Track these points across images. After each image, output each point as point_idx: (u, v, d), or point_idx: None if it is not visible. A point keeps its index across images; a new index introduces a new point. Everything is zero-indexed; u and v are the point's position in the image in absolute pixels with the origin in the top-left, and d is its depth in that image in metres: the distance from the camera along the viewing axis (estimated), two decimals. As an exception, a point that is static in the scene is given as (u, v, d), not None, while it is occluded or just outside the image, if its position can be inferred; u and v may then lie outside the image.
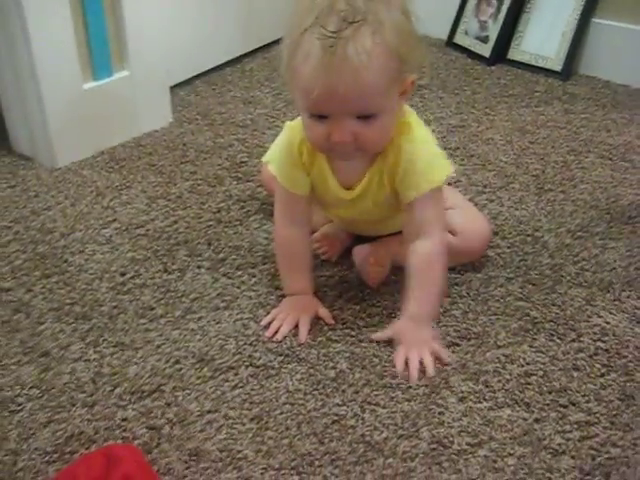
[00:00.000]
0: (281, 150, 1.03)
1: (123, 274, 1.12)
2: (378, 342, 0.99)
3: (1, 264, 1.14)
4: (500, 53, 1.90)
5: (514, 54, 1.90)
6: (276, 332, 1.00)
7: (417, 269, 0.99)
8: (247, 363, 0.95)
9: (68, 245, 1.18)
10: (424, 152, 0.97)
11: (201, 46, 1.74)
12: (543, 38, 1.86)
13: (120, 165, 1.41)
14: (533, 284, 1.11)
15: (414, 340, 0.96)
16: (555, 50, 1.84)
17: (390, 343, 0.99)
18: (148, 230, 1.22)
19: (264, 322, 1.02)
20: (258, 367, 0.95)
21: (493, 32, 1.90)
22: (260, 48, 1.93)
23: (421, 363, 0.95)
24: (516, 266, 1.14)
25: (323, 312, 1.03)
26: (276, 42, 1.93)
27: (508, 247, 1.19)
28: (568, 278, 1.12)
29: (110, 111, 1.46)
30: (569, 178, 1.39)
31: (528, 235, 1.22)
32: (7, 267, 1.13)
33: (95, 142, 1.45)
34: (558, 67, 1.83)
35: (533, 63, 1.87)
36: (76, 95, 1.39)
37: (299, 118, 0.98)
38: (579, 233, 1.22)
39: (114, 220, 1.24)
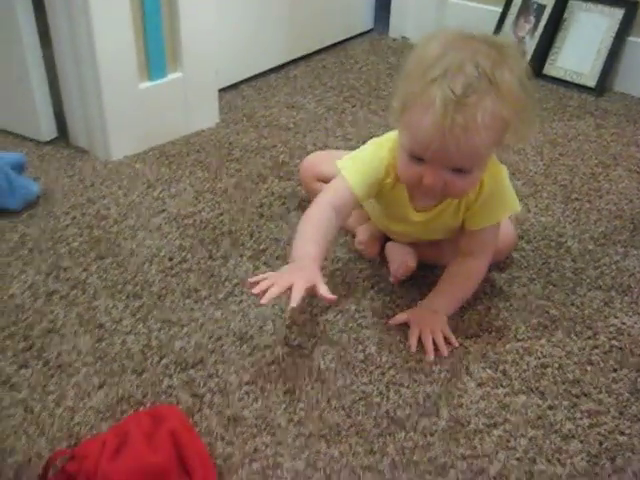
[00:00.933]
0: (364, 160, 1.07)
1: (171, 259, 1.21)
2: (404, 329, 1.06)
3: (60, 245, 1.23)
4: (536, 68, 1.96)
5: (550, 70, 1.96)
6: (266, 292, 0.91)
7: (455, 276, 1.10)
8: (283, 343, 1.04)
9: (121, 231, 1.28)
10: (502, 190, 1.07)
11: (248, 53, 1.84)
12: (579, 55, 1.92)
13: (170, 160, 1.51)
14: (554, 285, 1.17)
15: (427, 322, 1.04)
16: (590, 67, 1.90)
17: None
18: (195, 220, 1.31)
19: (252, 279, 0.95)
20: (293, 347, 1.03)
21: (530, 48, 1.97)
22: (303, 57, 2.02)
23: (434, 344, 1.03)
24: (539, 268, 1.21)
25: (323, 289, 0.93)
26: (318, 52, 2.06)
27: (532, 250, 1.25)
28: (588, 281, 1.18)
29: (162, 110, 1.55)
30: (596, 189, 1.45)
31: (552, 240, 1.28)
32: (65, 248, 1.23)
33: (147, 138, 1.55)
34: (592, 83, 1.89)
35: (568, 79, 1.93)
36: (132, 94, 1.49)
37: (387, 137, 1.07)
38: (602, 240, 1.29)
39: (163, 210, 1.34)
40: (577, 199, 1.41)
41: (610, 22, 1.87)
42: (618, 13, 1.85)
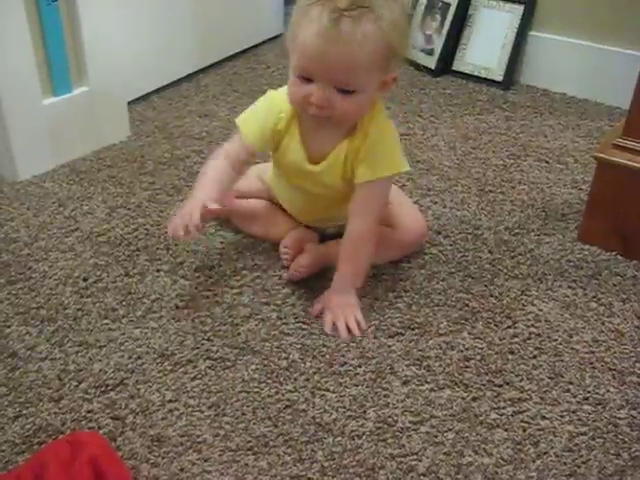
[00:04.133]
0: (257, 109, 1.12)
1: (86, 279, 1.17)
2: (328, 334, 1.06)
3: (-34, 273, 1.18)
4: (445, 65, 2.00)
5: (459, 65, 2.00)
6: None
7: (349, 245, 1.11)
8: (205, 356, 1.02)
9: (32, 253, 1.23)
10: (388, 142, 1.08)
11: (157, 62, 1.80)
12: (485, 50, 1.96)
13: (81, 177, 1.46)
14: (473, 277, 1.19)
15: (339, 306, 1.08)
16: (496, 61, 1.94)
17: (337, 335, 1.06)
18: (109, 237, 1.27)
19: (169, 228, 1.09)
20: (215, 360, 1.01)
21: (438, 45, 2.00)
22: (214, 64, 1.99)
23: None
24: (457, 262, 1.23)
25: (210, 204, 1.06)
26: (229, 58, 2.03)
27: (450, 245, 1.27)
28: (505, 271, 1.20)
29: (70, 126, 1.51)
30: (508, 180, 1.48)
31: (469, 233, 1.30)
32: (-28, 276, 1.18)
33: (56, 155, 1.50)
34: (499, 77, 1.93)
35: (476, 74, 1.97)
36: (36, 111, 1.44)
37: (281, 89, 1.09)
38: (516, 230, 1.31)
39: (76, 229, 1.30)
40: (491, 191, 1.44)
41: (512, 18, 1.92)
42: (518, 9, 1.90)
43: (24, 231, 1.29)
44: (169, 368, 1.00)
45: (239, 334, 1.06)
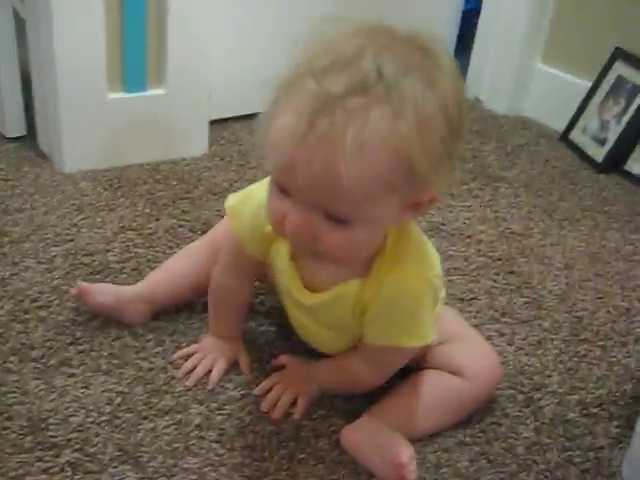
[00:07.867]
0: (255, 204, 0.79)
1: (35, 300, 0.98)
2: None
3: None
4: (616, 161, 1.60)
5: (633, 166, 1.58)
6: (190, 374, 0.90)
7: (339, 362, 0.87)
8: None
9: (9, 253, 1.07)
10: (410, 301, 0.75)
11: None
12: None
13: (120, 185, 1.29)
14: None
15: (300, 379, 0.88)
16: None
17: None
18: (93, 261, 1.08)
19: (176, 356, 0.92)
20: None
21: (613, 135, 1.60)
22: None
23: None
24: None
25: (243, 360, 0.92)
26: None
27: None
28: None
29: (136, 128, 1.35)
30: (620, 332, 1.08)
31: (525, 403, 0.94)
32: None
33: (111, 156, 1.34)
34: (682, 193, 1.50)
35: (654, 182, 1.55)
36: (98, 103, 1.29)
37: None
38: (593, 409, 0.93)
39: (70, 240, 1.12)
40: (587, 340, 1.05)
41: None
42: None
43: (22, 226, 1.14)
44: None
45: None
